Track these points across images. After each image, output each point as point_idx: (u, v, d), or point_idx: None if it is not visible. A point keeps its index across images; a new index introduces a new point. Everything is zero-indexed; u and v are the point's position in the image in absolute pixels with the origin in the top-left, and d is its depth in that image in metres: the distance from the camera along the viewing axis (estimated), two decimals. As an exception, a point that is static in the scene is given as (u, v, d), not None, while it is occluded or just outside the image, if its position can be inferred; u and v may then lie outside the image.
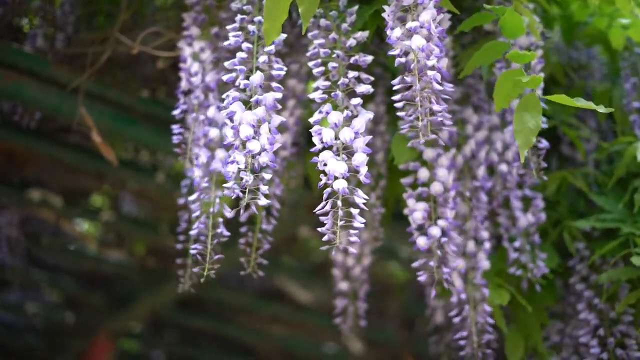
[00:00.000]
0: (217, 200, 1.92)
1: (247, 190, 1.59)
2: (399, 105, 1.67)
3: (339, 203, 1.55)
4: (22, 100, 2.54)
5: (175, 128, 2.02)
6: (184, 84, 2.05)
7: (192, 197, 1.96)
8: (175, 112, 2.04)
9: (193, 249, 1.86)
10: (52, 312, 4.40)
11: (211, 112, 1.98)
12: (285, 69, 1.72)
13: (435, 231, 1.92)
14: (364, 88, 1.69)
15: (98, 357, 4.01)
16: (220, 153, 1.96)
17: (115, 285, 4.17)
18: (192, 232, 1.92)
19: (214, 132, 1.96)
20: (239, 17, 1.76)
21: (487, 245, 2.08)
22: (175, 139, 2.01)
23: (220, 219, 1.91)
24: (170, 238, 3.40)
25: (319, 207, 1.57)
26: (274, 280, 4.31)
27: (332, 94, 1.66)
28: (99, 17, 2.72)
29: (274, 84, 1.69)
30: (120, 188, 3.66)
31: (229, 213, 1.88)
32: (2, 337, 4.29)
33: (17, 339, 4.33)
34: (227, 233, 1.88)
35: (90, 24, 2.68)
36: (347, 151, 1.62)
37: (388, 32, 1.64)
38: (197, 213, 1.93)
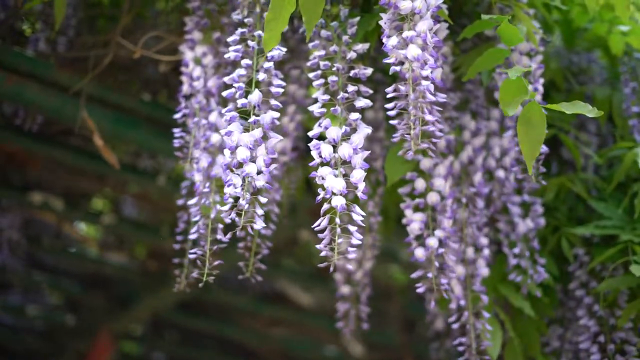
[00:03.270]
0: (217, 205, 1.92)
1: (243, 212, 1.59)
2: (391, 113, 1.68)
3: (337, 220, 1.56)
4: (24, 103, 2.55)
5: (177, 132, 2.02)
6: (185, 88, 2.05)
7: (191, 202, 1.97)
8: (177, 116, 2.04)
9: (192, 253, 1.86)
10: (53, 314, 4.41)
11: (213, 117, 1.98)
12: (284, 84, 1.73)
13: (432, 242, 1.92)
14: (364, 102, 1.70)
15: (99, 358, 4.01)
16: (221, 158, 1.96)
17: (116, 288, 4.18)
18: (191, 237, 1.93)
19: (215, 137, 1.97)
20: (239, 30, 1.77)
21: (486, 251, 2.09)
22: (177, 143, 2.01)
23: (220, 225, 1.91)
24: (171, 241, 3.40)
25: (317, 223, 1.58)
26: (274, 283, 4.31)
27: (332, 109, 1.67)
28: (101, 21, 2.73)
29: (273, 102, 1.69)
30: (121, 191, 3.66)
31: (227, 219, 1.88)
32: (3, 339, 4.29)
33: (18, 341, 4.34)
34: (225, 239, 1.88)
35: (92, 27, 2.68)
36: (346, 165, 1.62)
37: (384, 40, 1.65)
38: (197, 217, 1.94)
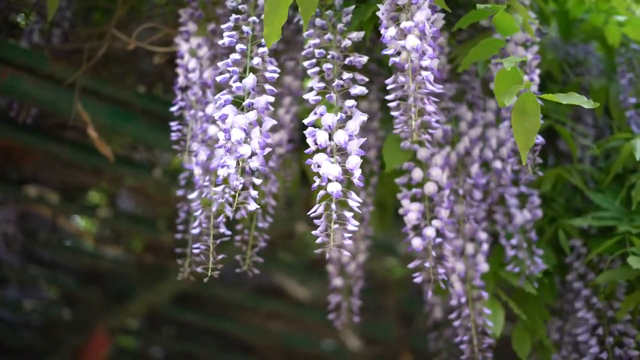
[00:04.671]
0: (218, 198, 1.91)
1: (237, 194, 1.59)
2: (392, 105, 1.67)
3: (333, 206, 1.56)
4: (19, 96, 2.54)
5: (174, 125, 2.01)
6: (181, 80, 2.04)
7: (192, 196, 1.96)
8: (173, 109, 2.04)
9: (195, 247, 1.85)
10: (49, 308, 4.40)
11: (209, 108, 1.97)
12: (279, 70, 1.72)
13: (429, 232, 1.92)
14: (359, 90, 1.69)
15: (95, 353, 4.01)
16: (219, 151, 1.95)
17: (112, 282, 4.17)
18: (193, 231, 1.92)
19: (212, 129, 1.96)
20: (233, 16, 1.76)
21: (485, 246, 2.08)
22: (174, 136, 2.00)
23: (222, 218, 1.90)
24: (168, 234, 3.41)
25: (313, 209, 1.58)
26: (271, 277, 4.31)
27: (327, 96, 1.66)
28: (96, 13, 2.71)
29: (268, 87, 1.68)
30: (117, 184, 3.65)
31: (229, 212, 1.88)
32: (0, 334, 4.29)
33: (15, 336, 4.33)
34: (228, 232, 1.88)
35: (86, 19, 2.67)
36: (341, 152, 1.62)
37: (382, 31, 1.64)
38: (198, 211, 1.93)
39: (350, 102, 1.65)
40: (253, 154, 1.61)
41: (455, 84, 2.14)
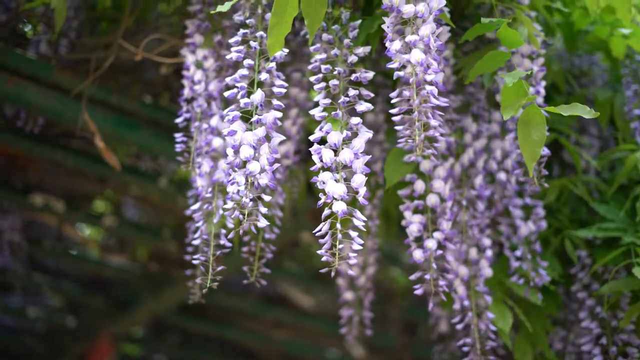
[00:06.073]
0: (220, 210, 1.91)
1: (246, 211, 1.59)
2: (396, 119, 1.68)
3: (338, 225, 1.56)
4: (26, 105, 2.55)
5: (178, 137, 2.01)
6: (186, 92, 2.04)
7: (194, 207, 1.97)
8: (178, 120, 2.04)
9: (195, 259, 1.86)
10: (54, 316, 4.41)
11: (214, 121, 1.97)
12: (287, 85, 1.72)
13: (431, 244, 1.92)
14: (365, 106, 1.69)
15: (99, 361, 4.02)
16: (223, 163, 1.94)
17: (117, 290, 4.18)
18: (194, 242, 1.92)
19: (217, 142, 1.96)
20: (241, 31, 1.76)
21: (489, 252, 2.08)
22: (178, 148, 2.00)
23: (224, 231, 1.91)
24: (172, 243, 3.41)
25: (318, 228, 1.57)
26: (276, 286, 4.31)
27: (333, 113, 1.66)
28: (103, 23, 2.73)
29: (275, 102, 1.69)
30: (122, 193, 3.66)
31: (231, 223, 1.88)
32: (5, 341, 4.30)
33: (19, 343, 4.34)
34: (229, 244, 1.88)
35: (93, 29, 2.69)
36: (347, 169, 1.62)
37: (387, 44, 1.65)
38: (200, 223, 1.93)
39: (356, 120, 1.65)
40: (262, 170, 1.61)
41: (461, 95, 2.14)
